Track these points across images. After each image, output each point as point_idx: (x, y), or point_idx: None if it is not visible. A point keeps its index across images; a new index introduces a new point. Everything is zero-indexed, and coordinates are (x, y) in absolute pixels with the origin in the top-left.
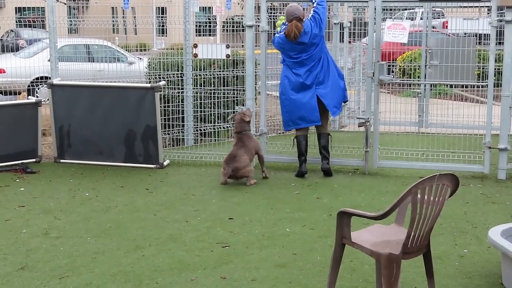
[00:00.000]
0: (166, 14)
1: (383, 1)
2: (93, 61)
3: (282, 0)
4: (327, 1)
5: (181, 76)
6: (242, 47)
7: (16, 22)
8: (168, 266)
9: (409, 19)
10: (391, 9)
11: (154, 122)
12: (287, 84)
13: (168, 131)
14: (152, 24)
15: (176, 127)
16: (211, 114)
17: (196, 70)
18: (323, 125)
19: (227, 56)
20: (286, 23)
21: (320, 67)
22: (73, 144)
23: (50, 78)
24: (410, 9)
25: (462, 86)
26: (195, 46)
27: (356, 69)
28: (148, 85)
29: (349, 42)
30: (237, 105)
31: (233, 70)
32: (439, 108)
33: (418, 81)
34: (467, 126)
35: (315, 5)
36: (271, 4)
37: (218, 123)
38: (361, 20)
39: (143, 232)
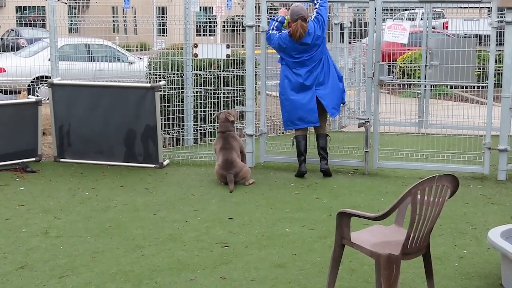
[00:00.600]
0: (166, 14)
1: (383, 2)
2: (94, 61)
3: (283, 0)
4: (328, 1)
5: (181, 76)
6: (242, 47)
7: (17, 21)
8: (168, 266)
9: (409, 19)
10: (391, 10)
11: (154, 122)
12: (287, 84)
13: (168, 130)
14: (153, 23)
15: (176, 127)
16: (211, 114)
17: (196, 70)
18: (322, 126)
19: (227, 56)
20: (279, 19)
21: (321, 68)
22: (73, 144)
23: (50, 78)
24: (410, 9)
25: (462, 87)
26: (196, 46)
27: (356, 70)
28: (148, 84)
29: (349, 42)
30: (237, 105)
31: (233, 70)
32: (439, 109)
33: (418, 81)
34: (467, 127)
35: (317, 6)
36: (272, 4)
37: (217, 123)
38: (361, 20)
39: (143, 231)
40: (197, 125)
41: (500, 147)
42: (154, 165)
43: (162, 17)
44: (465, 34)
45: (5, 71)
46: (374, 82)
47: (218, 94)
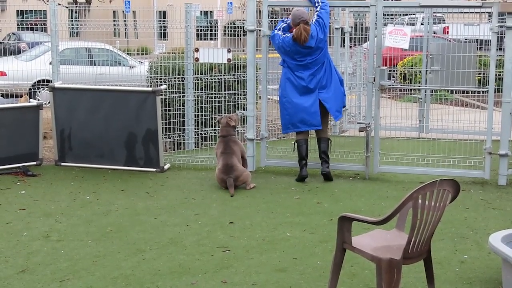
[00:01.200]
0: (167, 18)
1: (384, 6)
2: (94, 65)
3: (284, 5)
4: (334, 6)
5: (182, 80)
6: (243, 51)
7: (18, 25)
8: (169, 270)
9: (410, 24)
10: (392, 15)
11: (155, 126)
12: (289, 87)
13: (169, 135)
14: (153, 28)
15: (177, 131)
16: (212, 118)
17: (197, 74)
18: (323, 130)
19: (228, 60)
20: (288, 21)
21: (323, 71)
22: (74, 147)
23: (51, 81)
24: (411, 14)
25: (463, 92)
26: (197, 50)
27: (357, 74)
28: (149, 89)
29: (350, 47)
30: (238, 109)
31: (234, 74)
32: (440, 114)
33: (419, 86)
34: (467, 132)
35: (318, 9)
36: (272, 8)
37: (218, 127)
38: (362, 25)
39: (144, 235)
40: (197, 129)
41: (500, 152)
42: (155, 169)
43: (162, 21)
44: (466, 39)
45: (6, 75)
46: (375, 87)
47: (219, 98)
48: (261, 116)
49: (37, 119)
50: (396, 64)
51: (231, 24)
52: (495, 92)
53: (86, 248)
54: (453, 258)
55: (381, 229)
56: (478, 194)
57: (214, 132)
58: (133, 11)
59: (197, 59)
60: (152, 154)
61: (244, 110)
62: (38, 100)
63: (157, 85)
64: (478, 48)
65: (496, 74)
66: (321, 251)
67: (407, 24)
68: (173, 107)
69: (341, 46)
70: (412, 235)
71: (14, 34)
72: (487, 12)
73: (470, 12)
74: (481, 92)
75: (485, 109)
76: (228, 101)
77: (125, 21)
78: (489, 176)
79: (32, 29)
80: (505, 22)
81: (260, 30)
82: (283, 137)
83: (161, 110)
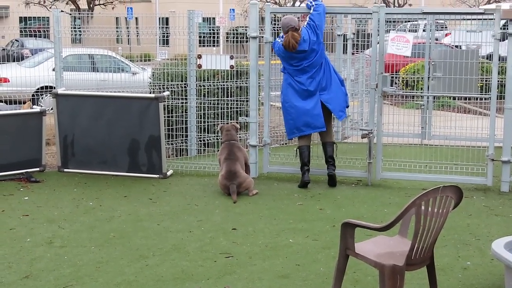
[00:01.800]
0: (169, 24)
1: (386, 13)
2: (97, 71)
3: (286, 11)
4: (330, 12)
5: (185, 87)
6: (246, 58)
7: (21, 31)
8: (172, 276)
9: (412, 31)
10: (394, 21)
11: (157, 132)
12: (291, 91)
13: (172, 141)
14: (156, 34)
15: (180, 137)
16: (214, 124)
17: (200, 80)
18: (328, 132)
19: (231, 67)
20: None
21: (322, 73)
22: (77, 154)
23: (54, 88)
24: (413, 21)
25: (465, 98)
26: (199, 56)
27: (359, 81)
28: (152, 95)
29: (353, 53)
30: (240, 116)
31: (236, 81)
32: (442, 120)
33: (421, 93)
34: (470, 138)
35: (311, 11)
36: (275, 15)
37: (221, 134)
38: (364, 31)
39: (147, 241)
40: (200, 135)
41: (503, 159)
42: (158, 175)
43: (165, 27)
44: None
45: (9, 81)
46: (377, 93)
47: (221, 105)
48: (264, 123)
49: (40, 126)
50: (399, 71)
51: (233, 30)
52: (497, 99)
53: (89, 254)
54: (456, 264)
55: (384, 236)
56: (480, 201)
57: (217, 139)
58: (136, 18)
59: (199, 66)
60: (154, 160)
61: (246, 116)
62: (41, 106)
63: (159, 91)
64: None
65: (498, 81)
66: (324, 257)
67: (409, 31)
68: (175, 113)
69: (343, 53)
70: (415, 242)
71: (17, 40)
72: (489, 19)
73: (473, 19)
74: (483, 99)
75: (488, 115)
76: (231, 108)
77: (127, 27)
78: (492, 182)
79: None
80: (507, 29)
81: (262, 37)
82: (286, 144)
83: (164, 117)
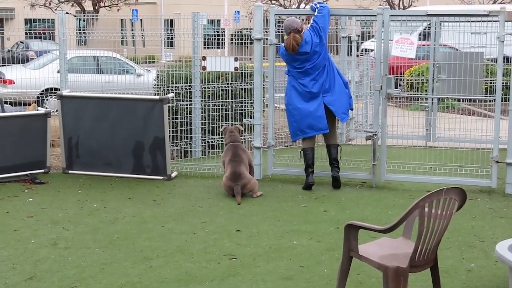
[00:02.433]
0: (174, 26)
1: (391, 15)
2: (102, 73)
3: (291, 13)
4: (334, 14)
5: (189, 89)
6: (250, 60)
7: (26, 33)
8: (176, 278)
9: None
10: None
11: (162, 134)
12: (294, 94)
13: (176, 143)
14: (161, 36)
15: (184, 139)
16: (219, 126)
17: (204, 82)
18: (332, 135)
19: (236, 68)
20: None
21: (326, 75)
22: (82, 155)
23: (59, 90)
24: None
25: (470, 100)
26: (204, 58)
27: (364, 83)
28: (157, 97)
29: (357, 55)
30: (245, 118)
31: (241, 83)
32: (447, 122)
33: (426, 95)
34: (474, 140)
35: (315, 13)
36: (279, 17)
37: (224, 136)
38: (369, 33)
39: (151, 243)
40: (205, 137)
41: (507, 161)
42: (162, 177)
43: (170, 29)
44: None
45: (14, 83)
46: (381, 95)
47: (226, 106)
48: (268, 124)
49: (45, 127)
50: (403, 73)
51: (238, 32)
52: (502, 101)
53: (93, 256)
54: (460, 266)
55: (388, 237)
56: (485, 203)
57: (221, 141)
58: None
59: (204, 68)
60: (159, 162)
61: (251, 118)
62: (46, 108)
63: (164, 93)
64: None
65: (503, 83)
66: (328, 259)
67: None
68: (180, 115)
69: (348, 55)
70: (419, 243)
71: (22, 42)
72: (494, 21)
73: (477, 21)
74: (488, 101)
75: (492, 117)
76: (235, 110)
77: (132, 29)
78: (496, 184)
79: (40, 38)
80: None
81: (267, 39)
82: (290, 146)
83: (168, 118)
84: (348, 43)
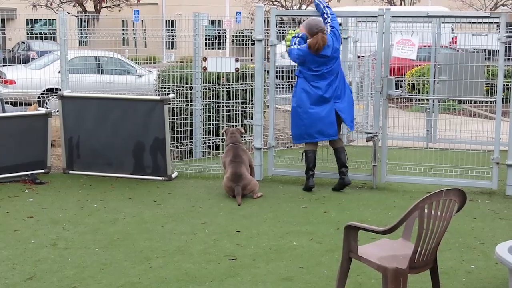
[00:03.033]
0: (175, 27)
1: (392, 16)
2: (103, 73)
3: (292, 14)
4: (340, 16)
5: (190, 89)
6: (251, 60)
7: (27, 33)
8: (175, 278)
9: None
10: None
11: (162, 135)
12: (305, 97)
13: (177, 143)
14: (162, 37)
15: (185, 139)
16: (219, 127)
17: (205, 83)
18: (340, 139)
19: (236, 69)
20: (300, 35)
21: (338, 81)
22: (82, 156)
23: (60, 90)
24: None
25: (471, 102)
26: (205, 59)
27: (365, 84)
28: (158, 97)
29: (358, 56)
30: (246, 118)
31: (242, 84)
32: (448, 124)
33: (427, 96)
34: (475, 142)
35: (329, 20)
36: (281, 18)
37: (225, 137)
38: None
39: (151, 244)
40: (205, 138)
41: (508, 162)
42: (163, 177)
43: (171, 30)
44: (474, 49)
45: (15, 83)
46: (382, 97)
47: (227, 107)
48: (269, 125)
49: (45, 127)
50: (404, 74)
51: (239, 33)
52: (503, 102)
53: (93, 256)
54: (460, 268)
55: (388, 239)
56: (485, 204)
57: (222, 141)
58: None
59: (205, 68)
60: (159, 162)
61: (251, 119)
62: (47, 108)
63: (165, 94)
64: (487, 58)
65: (504, 84)
66: (328, 260)
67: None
68: (181, 116)
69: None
70: (418, 245)
71: (24, 42)
72: (495, 23)
73: (479, 23)
74: (489, 102)
75: (493, 119)
76: (236, 110)
77: (134, 30)
78: (497, 186)
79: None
80: None
81: (268, 40)
82: (291, 147)
83: (169, 119)
84: (350, 44)
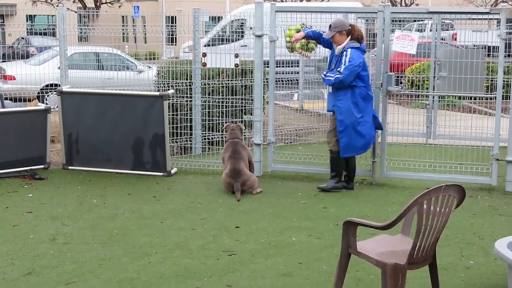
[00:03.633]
0: (175, 23)
1: (392, 12)
2: (103, 69)
3: (291, 10)
4: (336, 11)
5: (190, 85)
6: None
7: (27, 29)
8: (174, 274)
9: (419, 30)
10: (400, 21)
11: (162, 130)
12: (370, 106)
13: (176, 139)
14: (162, 33)
15: (184, 135)
16: (219, 123)
17: (205, 79)
18: None
19: (236, 65)
20: (306, 27)
21: None
22: (82, 151)
23: (59, 85)
24: (419, 20)
25: (471, 98)
26: (204, 55)
27: None
28: (157, 93)
29: None
30: (245, 114)
31: (241, 79)
32: (447, 120)
33: (427, 92)
34: (475, 138)
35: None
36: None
37: (225, 132)
38: (370, 31)
39: (150, 239)
40: (205, 134)
41: (508, 158)
42: (162, 173)
43: (171, 26)
44: (474, 45)
45: (15, 79)
46: (382, 93)
47: (226, 103)
48: (268, 121)
49: (45, 123)
50: (404, 70)
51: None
52: (503, 99)
53: (92, 251)
54: (459, 264)
55: (387, 234)
56: (485, 200)
57: (222, 137)
58: (142, 16)
59: (204, 64)
60: (159, 158)
61: (251, 115)
62: (47, 104)
63: (165, 89)
64: (486, 55)
65: (504, 81)
66: (327, 256)
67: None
68: (180, 111)
69: None
70: (417, 240)
71: (23, 38)
72: (495, 19)
73: (479, 19)
74: (489, 98)
75: (493, 115)
76: (236, 106)
77: (134, 26)
78: (496, 182)
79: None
80: None
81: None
82: (290, 143)
83: (169, 115)
84: None
